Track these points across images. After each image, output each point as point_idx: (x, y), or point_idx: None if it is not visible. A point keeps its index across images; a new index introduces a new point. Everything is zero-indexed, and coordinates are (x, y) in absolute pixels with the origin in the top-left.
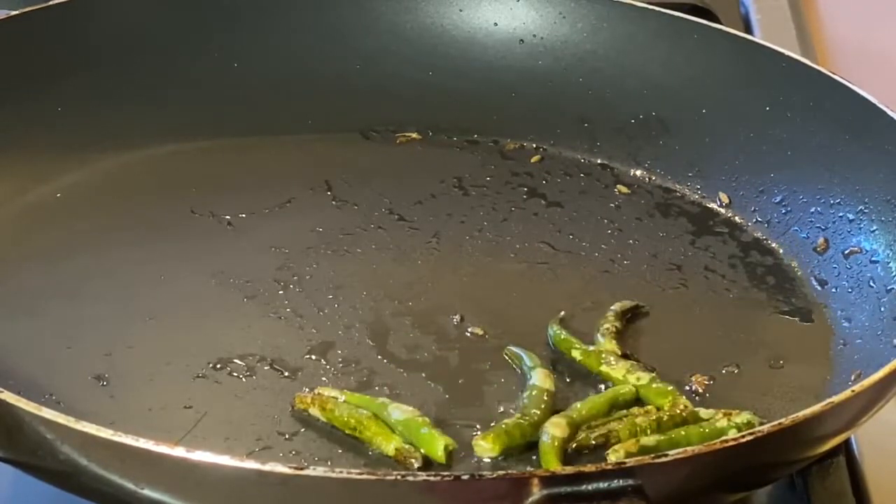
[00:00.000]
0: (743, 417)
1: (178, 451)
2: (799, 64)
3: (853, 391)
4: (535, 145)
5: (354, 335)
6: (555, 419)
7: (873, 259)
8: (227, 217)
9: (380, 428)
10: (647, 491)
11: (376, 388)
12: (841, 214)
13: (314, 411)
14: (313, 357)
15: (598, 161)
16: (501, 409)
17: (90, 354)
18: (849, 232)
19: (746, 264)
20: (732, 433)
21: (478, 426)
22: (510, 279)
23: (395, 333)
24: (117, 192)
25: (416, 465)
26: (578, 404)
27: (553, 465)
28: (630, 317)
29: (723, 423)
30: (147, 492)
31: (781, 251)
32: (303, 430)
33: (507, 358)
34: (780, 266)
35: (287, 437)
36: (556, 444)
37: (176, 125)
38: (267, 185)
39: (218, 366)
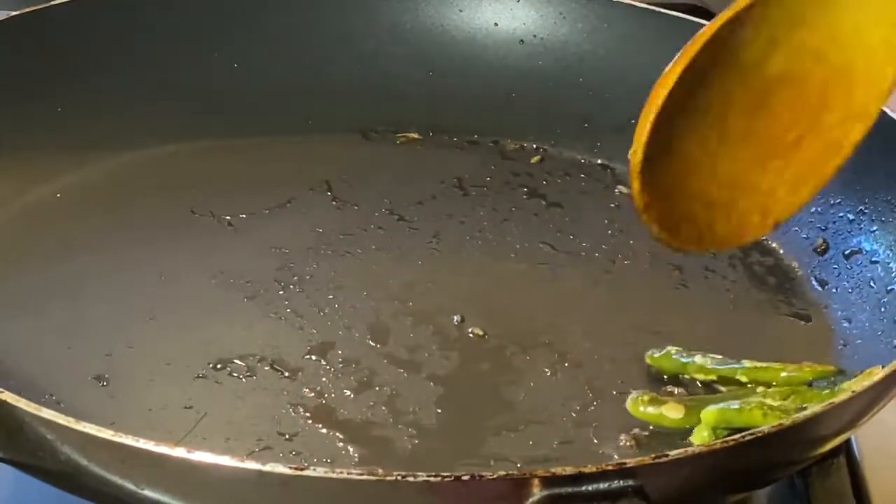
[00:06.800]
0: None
1: (179, 452)
2: None
3: (853, 391)
4: (535, 145)
5: (355, 335)
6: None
7: (874, 259)
8: (227, 217)
9: None
10: (648, 491)
11: (376, 388)
12: (841, 215)
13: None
14: (313, 357)
15: (598, 161)
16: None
17: (90, 354)
18: (849, 232)
19: (747, 265)
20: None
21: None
22: (510, 279)
23: (395, 333)
24: (117, 192)
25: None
26: None
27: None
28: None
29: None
30: (147, 492)
31: (781, 251)
32: (303, 430)
33: None
34: (780, 266)
35: (287, 437)
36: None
37: (176, 125)
38: (267, 185)
39: (218, 366)
